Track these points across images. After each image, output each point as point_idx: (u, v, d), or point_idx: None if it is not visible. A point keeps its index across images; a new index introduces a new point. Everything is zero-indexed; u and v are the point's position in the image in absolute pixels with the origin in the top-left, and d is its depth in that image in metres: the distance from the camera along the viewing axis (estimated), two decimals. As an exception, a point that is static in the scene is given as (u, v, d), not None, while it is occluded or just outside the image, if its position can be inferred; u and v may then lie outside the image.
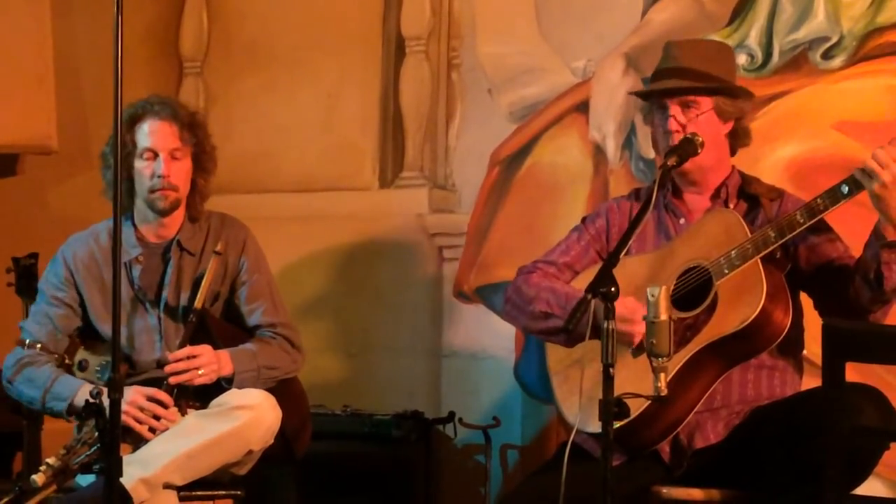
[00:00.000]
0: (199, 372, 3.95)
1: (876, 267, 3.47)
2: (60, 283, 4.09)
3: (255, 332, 4.14)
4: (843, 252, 3.65)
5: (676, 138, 3.70)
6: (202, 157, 4.12)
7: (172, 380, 3.94)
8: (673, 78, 3.73)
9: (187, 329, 4.04)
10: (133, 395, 3.88)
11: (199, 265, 4.12)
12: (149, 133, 4.03)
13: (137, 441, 3.89)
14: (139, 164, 4.04)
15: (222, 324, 4.12)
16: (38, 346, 4.03)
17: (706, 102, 3.70)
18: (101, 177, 4.11)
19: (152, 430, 3.89)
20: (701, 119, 3.69)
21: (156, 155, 4.03)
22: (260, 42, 5.70)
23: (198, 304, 4.04)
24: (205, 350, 3.98)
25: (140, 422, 3.88)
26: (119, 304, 3.34)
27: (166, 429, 3.89)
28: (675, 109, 3.72)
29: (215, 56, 5.80)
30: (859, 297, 3.53)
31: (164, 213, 4.08)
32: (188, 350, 3.97)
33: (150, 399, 3.91)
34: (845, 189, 3.47)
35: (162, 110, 4.04)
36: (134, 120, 4.03)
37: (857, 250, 3.60)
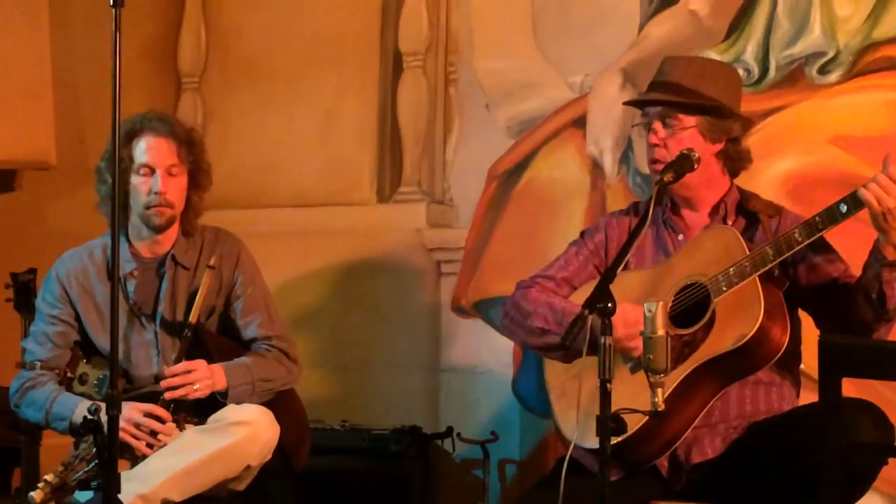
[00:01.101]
0: (195, 386, 3.95)
1: (878, 287, 3.47)
2: (56, 301, 4.10)
3: (251, 346, 4.15)
4: (843, 271, 3.64)
5: (657, 153, 3.72)
6: (198, 175, 4.12)
7: (168, 395, 3.94)
8: (657, 91, 3.74)
9: (183, 344, 4.04)
10: (130, 412, 3.87)
11: (194, 280, 4.12)
12: (146, 149, 4.02)
13: (135, 457, 3.89)
14: (135, 180, 4.03)
15: (218, 338, 4.13)
16: (38, 364, 4.04)
17: (688, 119, 3.69)
18: (97, 191, 4.11)
19: (150, 445, 3.89)
20: (683, 135, 3.68)
21: (152, 171, 4.03)
22: (258, 57, 5.71)
23: (192, 318, 4.05)
24: (200, 365, 3.98)
25: (137, 438, 3.88)
26: (117, 321, 3.35)
27: (163, 444, 3.89)
28: (656, 124, 3.73)
29: (213, 71, 5.81)
30: (862, 317, 3.53)
31: (159, 230, 4.08)
32: (184, 365, 3.98)
33: (147, 415, 3.91)
34: (844, 208, 3.46)
35: (160, 126, 4.04)
36: (131, 135, 4.02)
37: (856, 265, 3.60)
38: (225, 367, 4.02)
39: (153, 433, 3.90)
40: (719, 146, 3.73)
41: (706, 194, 3.78)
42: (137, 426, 3.88)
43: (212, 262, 4.10)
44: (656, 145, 3.72)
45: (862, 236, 3.56)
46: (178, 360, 4.00)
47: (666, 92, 3.72)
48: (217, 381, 3.98)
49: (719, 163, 3.76)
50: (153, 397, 3.98)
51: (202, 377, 3.96)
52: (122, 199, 4.00)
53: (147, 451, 3.88)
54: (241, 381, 4.00)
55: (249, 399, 3.99)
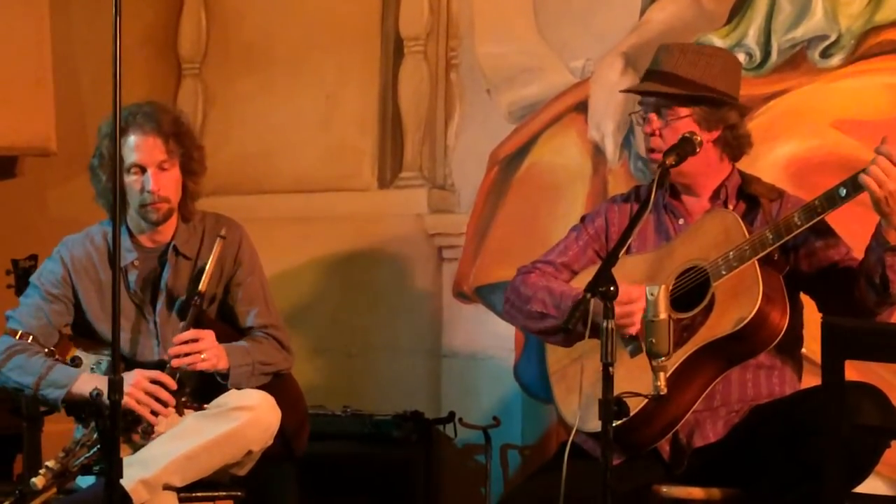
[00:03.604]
0: (202, 356, 3.94)
1: (881, 271, 3.46)
2: (57, 281, 4.08)
3: (248, 333, 4.15)
4: (844, 255, 3.63)
5: (652, 142, 3.73)
6: (190, 164, 4.10)
7: (175, 362, 3.93)
8: (652, 82, 3.73)
9: (192, 313, 4.01)
10: (136, 377, 3.87)
11: (195, 268, 4.11)
12: (134, 148, 4.00)
13: (136, 443, 3.88)
14: (128, 179, 4.01)
15: (218, 324, 4.12)
16: (31, 337, 4.00)
17: (682, 110, 3.69)
18: (93, 187, 4.10)
19: (154, 413, 3.88)
20: (678, 125, 3.68)
21: (143, 169, 4.02)
22: (258, 43, 5.70)
23: (202, 287, 4.03)
24: (208, 335, 3.97)
25: (142, 403, 3.87)
26: (118, 309, 3.34)
27: (168, 413, 3.88)
28: (651, 114, 3.74)
29: (214, 57, 5.80)
30: (865, 301, 3.52)
31: (157, 224, 4.08)
32: (192, 333, 3.97)
33: (153, 381, 3.90)
34: (843, 192, 3.45)
35: (145, 123, 4.00)
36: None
37: (858, 250, 3.60)
38: (227, 348, 4.01)
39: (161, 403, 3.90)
40: (716, 134, 3.72)
41: (705, 181, 3.78)
42: (146, 392, 3.87)
43: (223, 232, 4.09)
44: (651, 135, 3.73)
45: (864, 220, 3.56)
46: (186, 329, 3.99)
47: (660, 82, 3.71)
48: (221, 360, 3.98)
49: (717, 150, 3.75)
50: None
51: (210, 347, 3.95)
52: (120, 190, 3.98)
53: (151, 417, 3.87)
54: (241, 362, 4.01)
55: (248, 381, 3.99)
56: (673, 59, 3.72)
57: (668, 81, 3.70)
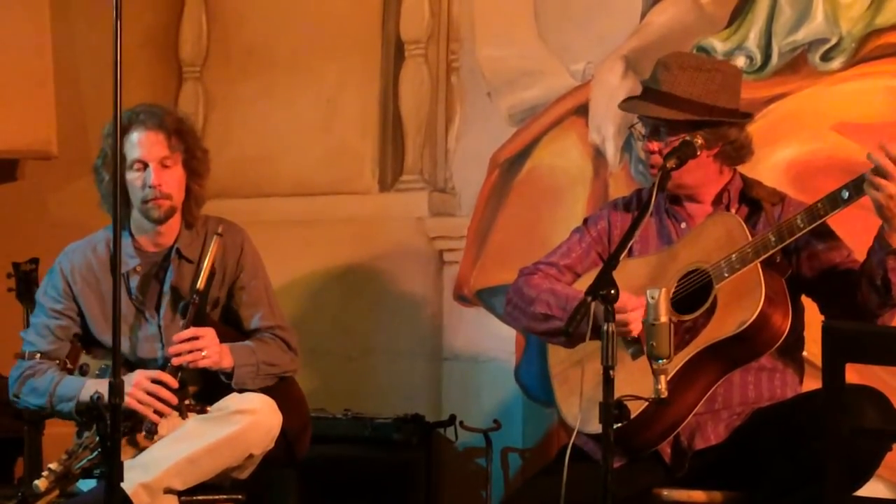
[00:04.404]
0: (202, 354, 3.95)
1: (882, 274, 3.46)
2: (59, 296, 4.09)
3: (253, 336, 4.14)
4: (846, 257, 3.63)
5: (652, 160, 3.72)
6: (193, 163, 4.10)
7: (175, 360, 3.94)
8: (652, 102, 3.69)
9: (191, 311, 4.01)
10: (137, 377, 3.88)
11: (198, 272, 4.11)
12: (137, 144, 4.01)
13: (138, 428, 3.89)
14: (130, 176, 4.02)
15: (221, 327, 4.12)
16: (38, 355, 4.03)
17: (682, 133, 3.67)
18: (98, 190, 4.10)
19: (156, 412, 3.88)
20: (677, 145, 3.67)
21: (145, 165, 4.02)
22: (259, 46, 5.70)
23: (200, 285, 4.03)
24: (208, 332, 3.97)
25: (144, 403, 3.87)
26: (119, 313, 3.34)
27: (170, 413, 3.89)
28: (650, 135, 3.72)
29: (215, 61, 5.81)
30: (867, 303, 3.52)
31: (159, 222, 4.08)
32: (192, 331, 3.97)
33: (154, 381, 3.90)
34: (845, 194, 3.45)
35: (148, 119, 4.01)
36: (121, 130, 4.00)
37: (860, 254, 3.60)
38: (230, 347, 4.02)
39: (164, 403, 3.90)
40: (716, 150, 3.71)
41: (706, 189, 3.77)
42: (147, 392, 3.88)
43: (220, 229, 4.09)
44: (652, 153, 3.73)
45: (865, 223, 3.56)
46: (185, 328, 3.99)
47: (658, 103, 3.68)
48: (223, 358, 3.98)
49: (716, 163, 3.74)
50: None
51: (210, 344, 3.96)
52: (123, 192, 3.99)
53: (154, 417, 3.88)
54: (245, 362, 4.01)
55: (253, 381, 4.00)
56: (671, 76, 3.68)
57: (667, 102, 3.67)
